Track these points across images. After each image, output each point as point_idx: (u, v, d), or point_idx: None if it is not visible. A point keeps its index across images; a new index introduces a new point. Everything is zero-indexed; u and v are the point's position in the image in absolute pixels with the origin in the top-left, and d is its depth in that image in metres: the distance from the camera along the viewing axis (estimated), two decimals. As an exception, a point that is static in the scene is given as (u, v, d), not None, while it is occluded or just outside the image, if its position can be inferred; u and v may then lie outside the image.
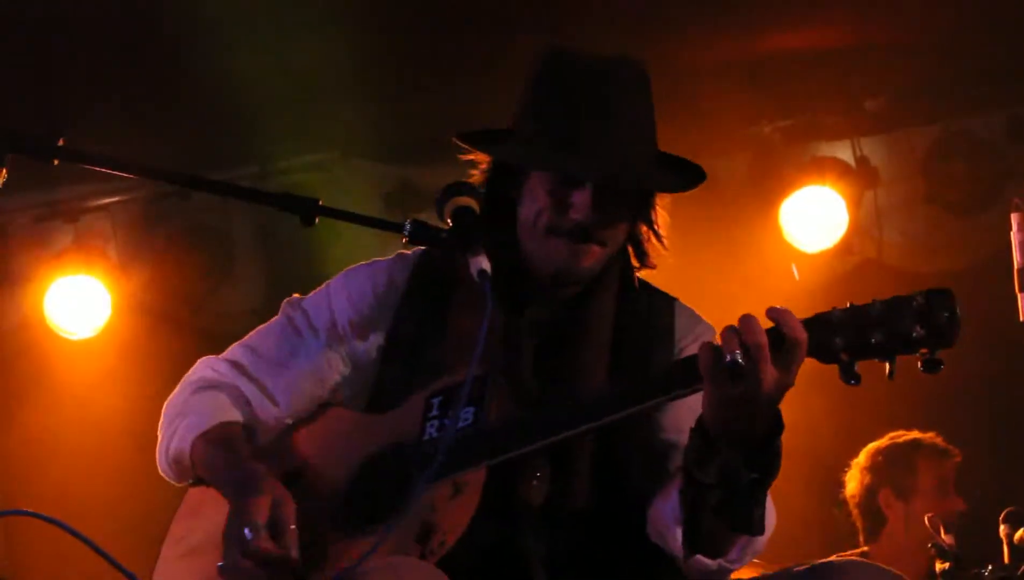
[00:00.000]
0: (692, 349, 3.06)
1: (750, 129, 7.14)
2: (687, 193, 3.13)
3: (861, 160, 7.11)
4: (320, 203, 2.89)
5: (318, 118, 6.61)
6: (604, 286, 3.12)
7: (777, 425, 2.72)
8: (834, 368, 2.70)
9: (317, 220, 2.89)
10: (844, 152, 7.14)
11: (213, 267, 7.29)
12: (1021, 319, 4.75)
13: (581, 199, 2.99)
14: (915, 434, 5.96)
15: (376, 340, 3.16)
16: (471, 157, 3.15)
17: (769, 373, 2.63)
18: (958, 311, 2.58)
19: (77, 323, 7.13)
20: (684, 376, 2.76)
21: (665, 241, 3.17)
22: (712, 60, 6.32)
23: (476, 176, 3.15)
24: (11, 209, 7.16)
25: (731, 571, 2.90)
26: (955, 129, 7.05)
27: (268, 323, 3.28)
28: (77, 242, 7.19)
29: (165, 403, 3.25)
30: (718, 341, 2.68)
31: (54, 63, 5.89)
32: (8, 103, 5.67)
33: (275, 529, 2.83)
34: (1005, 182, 6.89)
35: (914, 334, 2.59)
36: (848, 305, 2.68)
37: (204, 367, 3.26)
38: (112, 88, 6.10)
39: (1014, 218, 4.84)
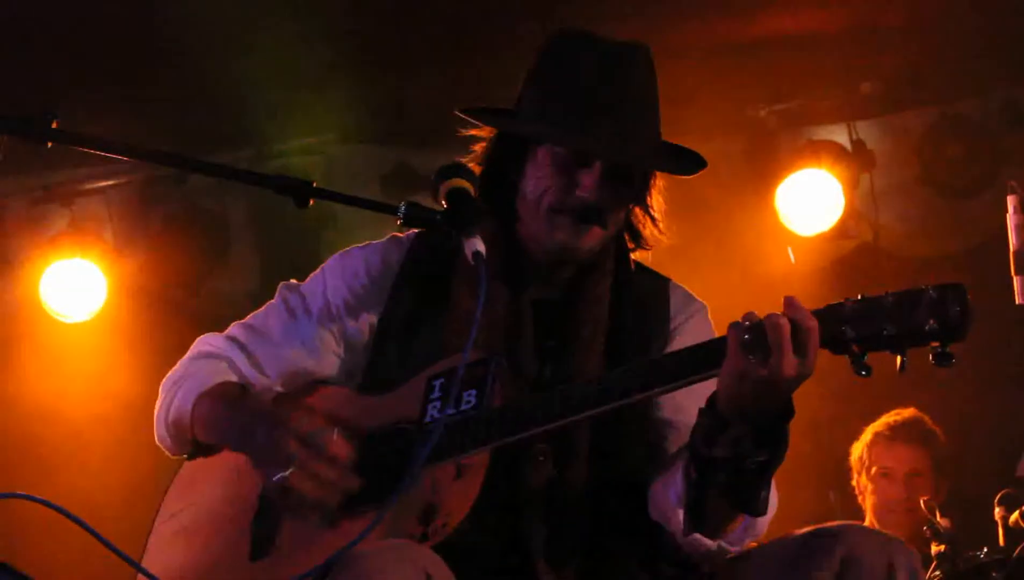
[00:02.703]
0: (685, 328, 3.11)
1: (746, 112, 7.13)
2: (683, 177, 3.15)
3: (857, 143, 7.10)
4: (314, 185, 2.89)
5: (315, 101, 6.59)
6: (600, 267, 3.13)
7: (787, 410, 2.74)
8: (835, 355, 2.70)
9: (311, 202, 2.89)
10: (840, 135, 7.13)
11: (209, 250, 7.28)
12: (1017, 301, 4.75)
13: (589, 178, 3.00)
14: (905, 415, 5.95)
15: (370, 320, 3.18)
16: (473, 132, 3.16)
17: (789, 360, 2.64)
18: (970, 305, 2.60)
19: (73, 307, 7.11)
20: (699, 362, 2.77)
21: (661, 225, 3.19)
22: (707, 43, 6.31)
23: (477, 151, 3.16)
24: (6, 192, 7.12)
25: (729, 553, 2.91)
26: (951, 112, 7.05)
27: (265, 305, 3.30)
28: (73, 225, 7.16)
29: (163, 380, 3.27)
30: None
31: (48, 45, 5.87)
32: (1, 85, 5.65)
33: (314, 440, 2.88)
34: (1000, 165, 6.89)
35: (927, 327, 2.61)
36: (860, 297, 2.69)
37: (201, 343, 3.30)
38: (107, 70, 6.09)
39: (1010, 201, 4.84)
